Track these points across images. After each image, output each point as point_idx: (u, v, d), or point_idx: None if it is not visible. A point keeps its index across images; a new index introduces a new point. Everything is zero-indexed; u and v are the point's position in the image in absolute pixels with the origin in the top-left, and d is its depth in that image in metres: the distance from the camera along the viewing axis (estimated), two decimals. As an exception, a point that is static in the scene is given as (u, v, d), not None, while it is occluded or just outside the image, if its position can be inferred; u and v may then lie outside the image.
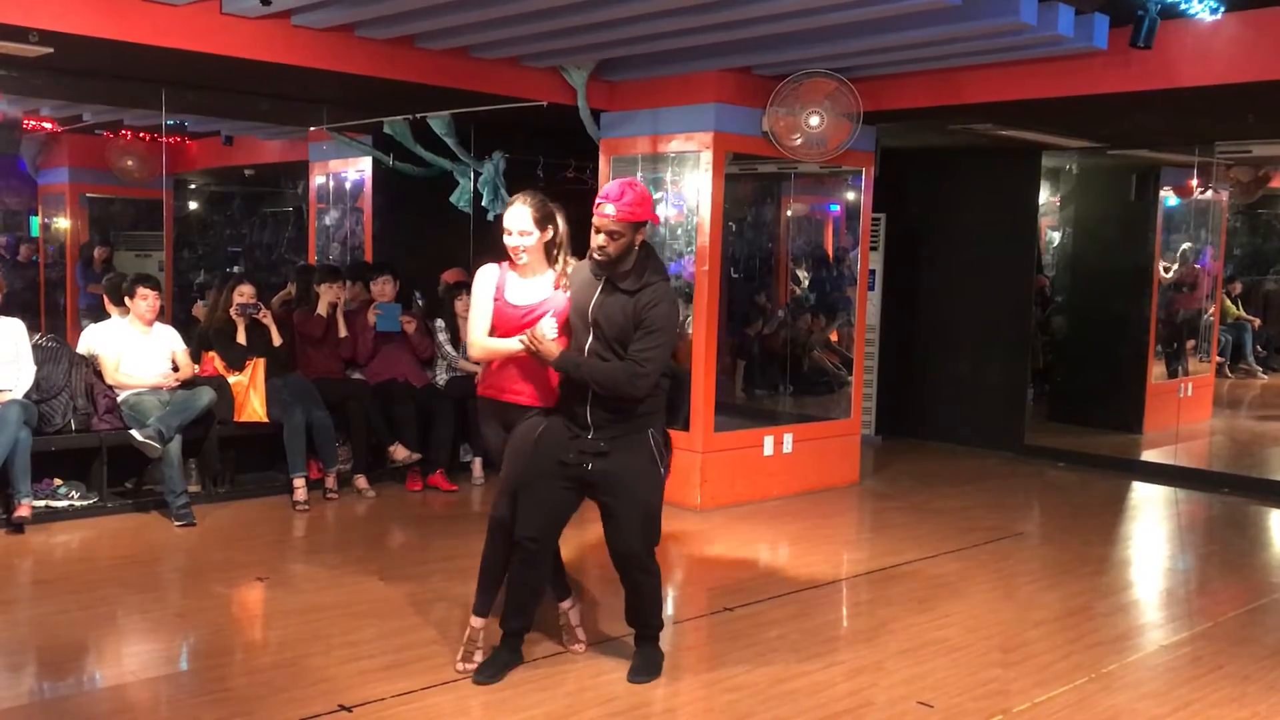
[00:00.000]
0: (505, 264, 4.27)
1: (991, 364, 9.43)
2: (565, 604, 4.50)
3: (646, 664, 4.24)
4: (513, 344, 4.09)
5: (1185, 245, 10.21)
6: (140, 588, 5.23)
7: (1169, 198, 9.95)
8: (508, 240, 4.18)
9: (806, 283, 9.76)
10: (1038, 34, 5.51)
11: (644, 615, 4.25)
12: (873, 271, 9.00)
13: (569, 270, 4.20)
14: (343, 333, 7.45)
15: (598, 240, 3.95)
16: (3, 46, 5.61)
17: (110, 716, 3.79)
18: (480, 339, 4.23)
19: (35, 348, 6.39)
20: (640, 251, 4.02)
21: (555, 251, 4.23)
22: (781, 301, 9.55)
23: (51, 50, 5.68)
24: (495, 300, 4.21)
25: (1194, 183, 9.62)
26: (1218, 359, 10.73)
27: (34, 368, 6.29)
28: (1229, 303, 11.16)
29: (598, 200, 3.97)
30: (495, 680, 4.10)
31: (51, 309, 10.78)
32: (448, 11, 5.67)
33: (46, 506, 6.28)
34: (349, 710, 3.82)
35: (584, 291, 4.06)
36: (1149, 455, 9.22)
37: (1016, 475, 8.61)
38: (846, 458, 7.93)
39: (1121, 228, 9.93)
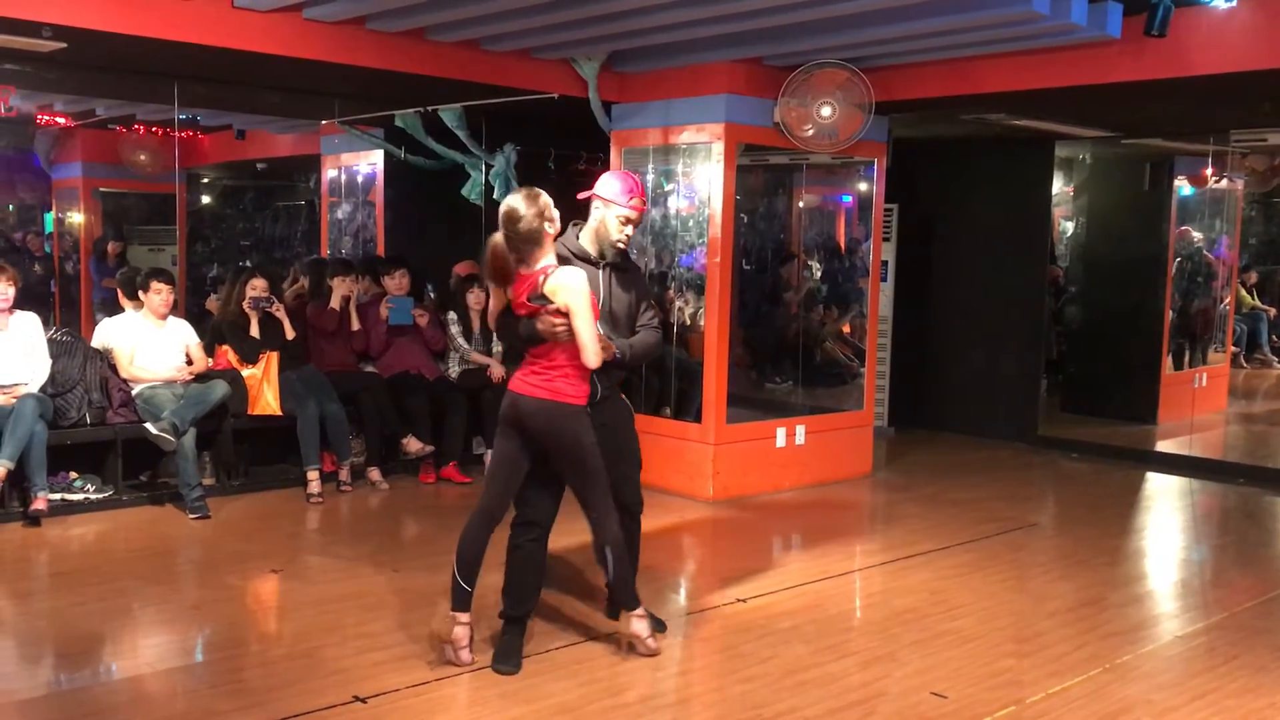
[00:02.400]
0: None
1: (1005, 355, 9.39)
2: (467, 616, 4.19)
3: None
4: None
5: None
6: (155, 580, 5.26)
7: (1183, 187, 9.90)
8: (630, 232, 4.20)
9: (818, 274, 9.74)
10: (1051, 23, 5.48)
11: (632, 575, 4.31)
12: (885, 262, 8.96)
13: None
14: (355, 326, 7.48)
15: (626, 231, 4.19)
16: (16, 41, 5.64)
17: (126, 707, 3.81)
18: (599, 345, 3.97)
19: (50, 341, 6.43)
20: None
21: None
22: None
23: (65, 45, 5.71)
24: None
25: (1209, 172, 9.56)
26: (1233, 349, 10.67)
27: (49, 361, 6.33)
28: (1244, 292, 11.10)
29: (628, 194, 4.15)
30: (519, 669, 4.12)
31: (66, 303, 10.85)
32: (458, 4, 5.67)
33: (62, 499, 6.31)
34: (364, 701, 3.84)
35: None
36: (1163, 446, 9.18)
37: (1030, 466, 8.58)
38: (859, 449, 7.92)
39: (1135, 217, 9.87)
